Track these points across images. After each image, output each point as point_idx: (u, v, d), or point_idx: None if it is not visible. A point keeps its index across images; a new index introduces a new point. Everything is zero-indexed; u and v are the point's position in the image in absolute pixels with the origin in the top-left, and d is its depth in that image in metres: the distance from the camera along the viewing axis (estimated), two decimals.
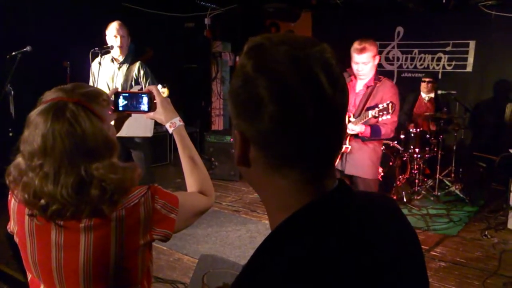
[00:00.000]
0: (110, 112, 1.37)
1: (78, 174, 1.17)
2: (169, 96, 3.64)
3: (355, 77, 3.58)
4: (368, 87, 3.52)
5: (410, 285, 0.80)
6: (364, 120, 3.40)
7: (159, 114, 1.55)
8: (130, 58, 4.36)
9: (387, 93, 3.45)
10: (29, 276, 1.36)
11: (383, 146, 5.59)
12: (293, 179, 0.74)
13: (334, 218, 0.72)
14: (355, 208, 0.77)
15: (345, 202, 0.75)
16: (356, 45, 3.42)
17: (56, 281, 1.28)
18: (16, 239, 1.33)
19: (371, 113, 3.34)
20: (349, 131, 3.46)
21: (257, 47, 0.74)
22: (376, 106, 3.38)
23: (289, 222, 0.72)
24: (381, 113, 3.30)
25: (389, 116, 3.32)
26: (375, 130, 3.46)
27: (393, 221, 0.85)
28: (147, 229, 1.29)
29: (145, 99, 1.54)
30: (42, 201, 1.18)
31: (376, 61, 3.49)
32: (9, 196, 1.32)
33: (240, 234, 4.59)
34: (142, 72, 4.29)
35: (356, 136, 3.52)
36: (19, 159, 1.23)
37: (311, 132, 0.71)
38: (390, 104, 3.27)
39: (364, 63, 3.43)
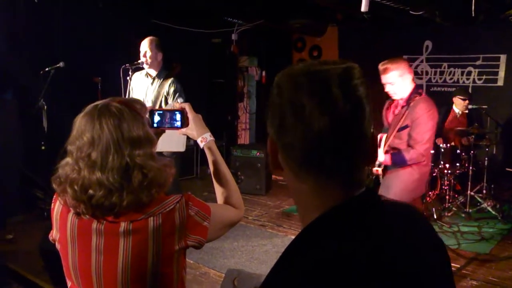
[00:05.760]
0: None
1: (123, 159, 1.27)
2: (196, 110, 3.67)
3: None
4: (402, 107, 3.39)
5: None
6: (388, 144, 3.25)
7: (191, 130, 1.63)
8: (163, 74, 4.40)
9: (417, 112, 3.28)
10: (69, 284, 1.40)
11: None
12: (311, 185, 0.79)
13: (355, 221, 0.76)
14: (378, 213, 0.81)
15: (366, 207, 0.79)
16: (379, 66, 3.34)
17: (95, 286, 1.32)
18: (58, 245, 1.39)
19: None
20: None
21: (291, 67, 0.82)
22: (406, 127, 3.29)
23: (313, 225, 0.78)
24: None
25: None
26: (395, 158, 3.29)
27: (418, 227, 0.87)
28: (182, 235, 1.35)
29: (178, 116, 1.62)
30: (90, 191, 1.26)
31: (408, 79, 3.34)
32: (52, 205, 1.41)
33: (266, 249, 4.57)
34: (172, 88, 4.31)
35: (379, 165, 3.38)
36: (67, 159, 1.32)
37: (320, 143, 0.75)
38: None
39: (390, 83, 3.33)
